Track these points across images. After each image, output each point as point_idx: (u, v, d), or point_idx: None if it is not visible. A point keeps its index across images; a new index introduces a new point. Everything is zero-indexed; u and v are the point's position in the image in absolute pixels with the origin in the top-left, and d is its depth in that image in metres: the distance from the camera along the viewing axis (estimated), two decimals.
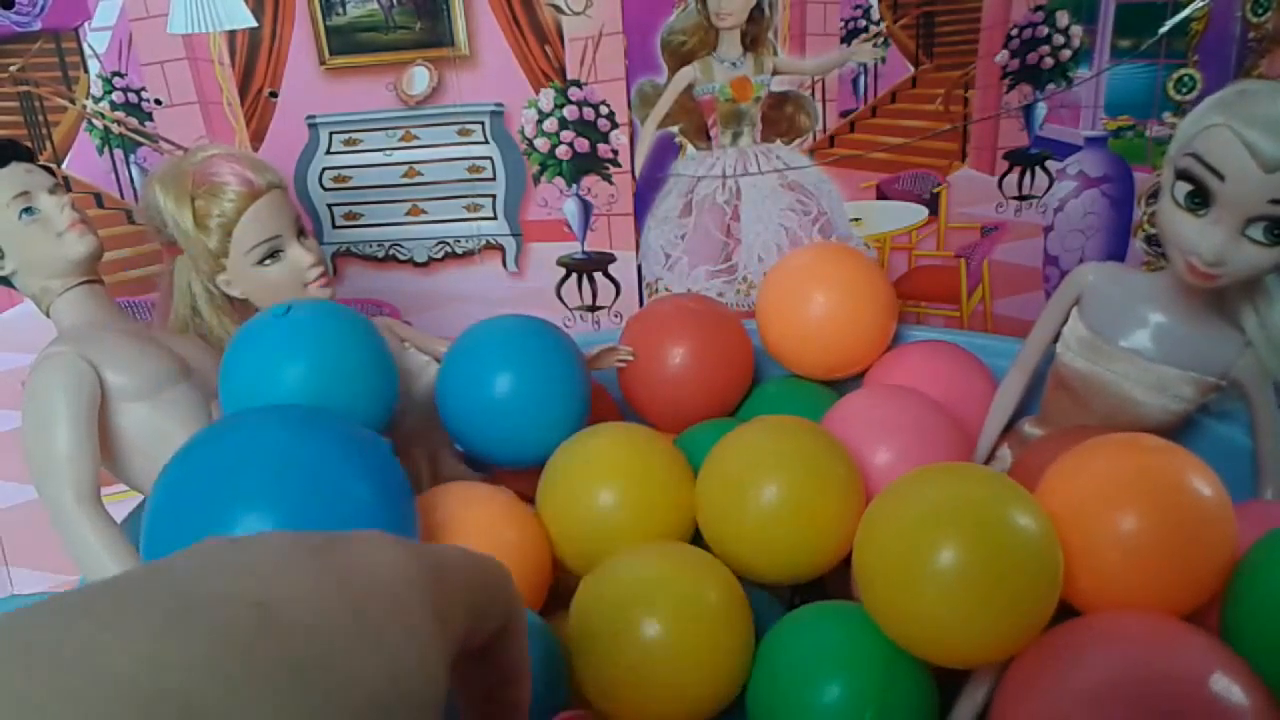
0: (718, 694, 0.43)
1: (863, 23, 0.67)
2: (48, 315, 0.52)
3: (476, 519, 0.49)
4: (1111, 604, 0.39)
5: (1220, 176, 0.42)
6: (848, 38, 0.67)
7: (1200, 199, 0.44)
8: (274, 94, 0.69)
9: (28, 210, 0.51)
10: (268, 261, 0.52)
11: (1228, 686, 0.33)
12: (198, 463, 0.41)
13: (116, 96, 0.67)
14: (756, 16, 0.67)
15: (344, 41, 0.67)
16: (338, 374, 0.48)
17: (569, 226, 0.72)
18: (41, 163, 0.53)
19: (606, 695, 0.42)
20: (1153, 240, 0.69)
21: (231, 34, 0.67)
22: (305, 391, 0.47)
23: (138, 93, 0.67)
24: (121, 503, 0.51)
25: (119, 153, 0.69)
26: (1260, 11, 0.61)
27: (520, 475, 0.56)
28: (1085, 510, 0.39)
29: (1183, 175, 0.44)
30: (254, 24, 0.66)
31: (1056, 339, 0.54)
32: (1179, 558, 0.38)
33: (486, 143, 0.70)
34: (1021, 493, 0.39)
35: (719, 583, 0.44)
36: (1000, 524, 0.38)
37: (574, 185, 0.71)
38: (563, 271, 0.74)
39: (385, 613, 0.20)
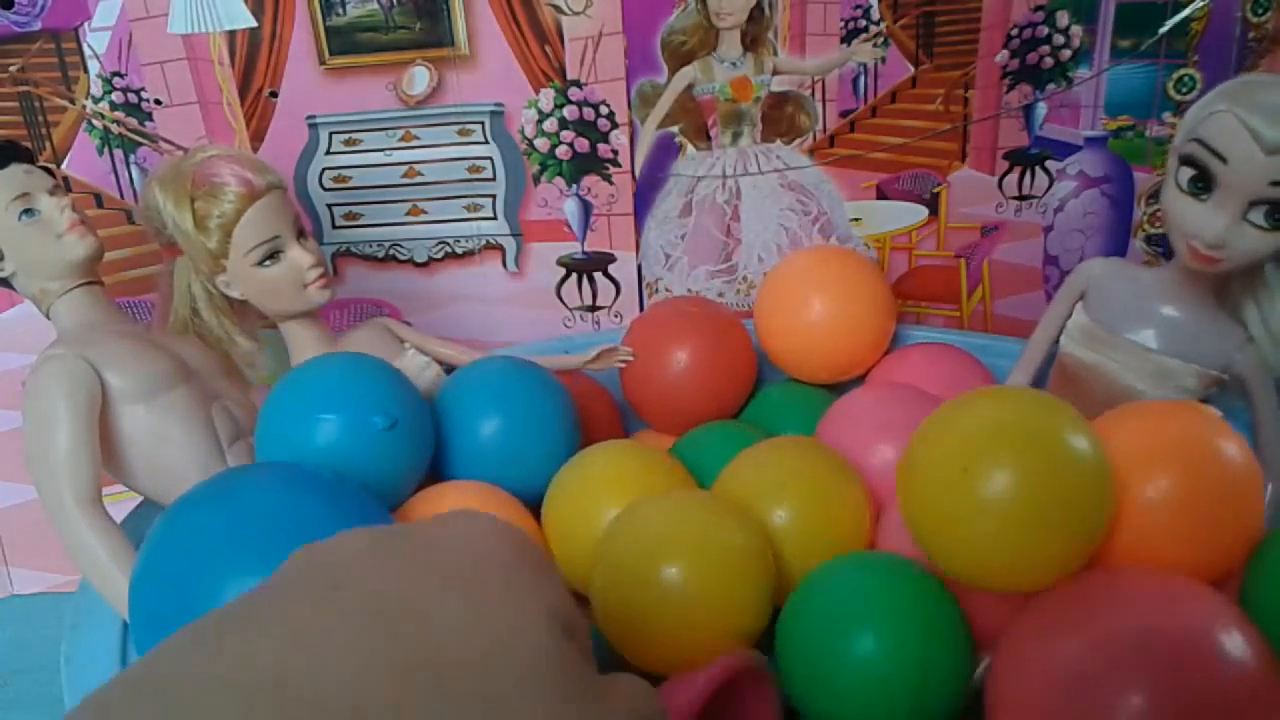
0: (739, 634, 0.42)
1: (863, 23, 0.67)
2: (47, 317, 0.52)
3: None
4: (1136, 563, 0.39)
5: (1223, 159, 0.43)
6: (848, 38, 0.67)
7: (1203, 183, 0.45)
8: (274, 94, 0.69)
9: (28, 212, 0.50)
10: (267, 262, 0.52)
11: (1237, 644, 0.33)
12: (186, 525, 0.40)
13: (116, 96, 0.67)
14: (756, 16, 0.67)
15: (344, 41, 0.67)
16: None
17: (569, 226, 0.72)
18: (41, 163, 0.53)
19: (627, 637, 0.42)
20: (1152, 240, 0.69)
21: (231, 34, 0.67)
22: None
23: (138, 93, 0.67)
24: (121, 503, 0.51)
25: (119, 153, 0.69)
26: (1260, 11, 0.61)
27: None
28: (1118, 470, 0.39)
29: (1186, 160, 0.45)
30: (254, 24, 0.66)
31: (1060, 335, 0.54)
32: (1208, 523, 0.38)
33: (486, 143, 0.70)
34: (1076, 416, 0.38)
35: (740, 527, 0.43)
36: (1056, 445, 0.37)
37: (574, 185, 0.71)
38: (563, 271, 0.74)
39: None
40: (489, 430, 0.54)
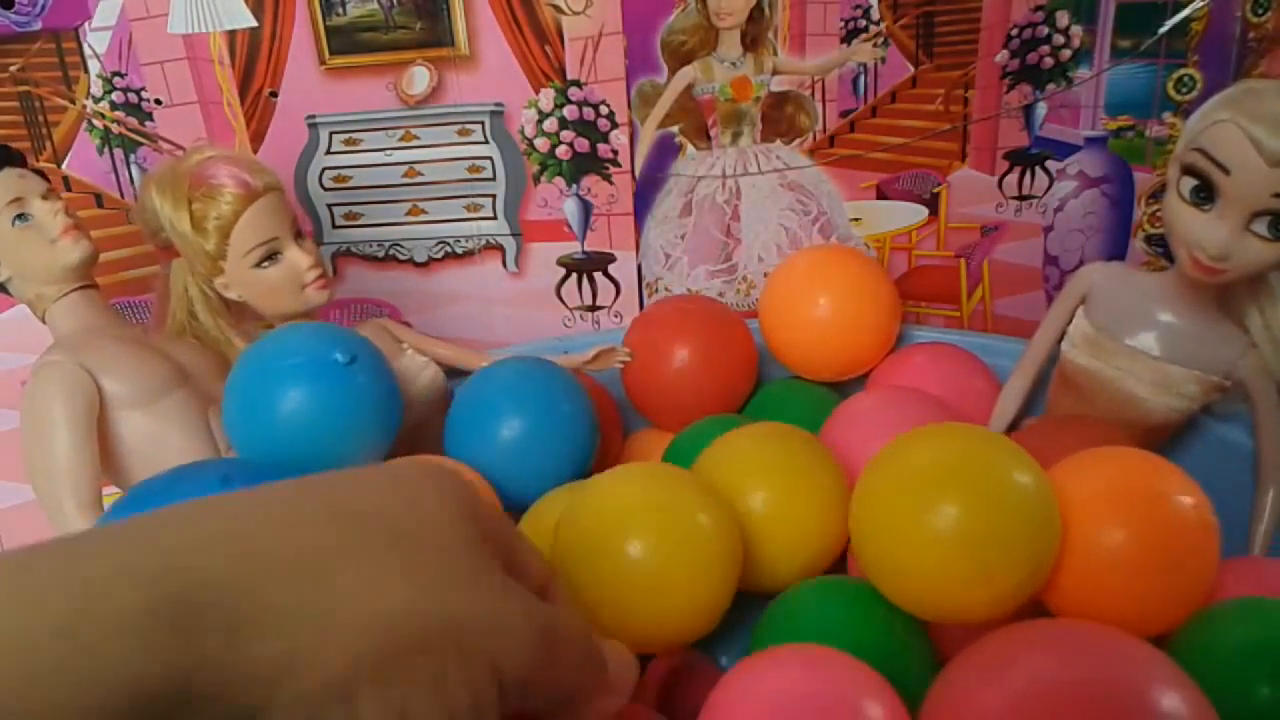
0: (701, 616, 0.41)
1: (863, 23, 0.67)
2: (43, 321, 0.52)
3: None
4: (1082, 614, 0.38)
5: (1225, 170, 0.43)
6: (848, 38, 0.67)
7: (1205, 194, 0.44)
8: (274, 94, 0.69)
9: (21, 216, 0.50)
10: (265, 264, 0.52)
11: (1174, 704, 0.30)
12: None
13: (116, 96, 0.67)
14: (756, 16, 0.67)
15: (344, 41, 0.67)
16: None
17: (569, 226, 0.72)
18: (34, 167, 0.53)
19: (586, 608, 0.40)
20: (1152, 240, 0.69)
21: (231, 34, 0.67)
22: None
23: (138, 93, 0.67)
24: None
25: (119, 153, 0.69)
26: (1260, 11, 0.61)
27: None
28: (1073, 516, 0.39)
29: (1189, 170, 0.45)
30: (254, 24, 0.66)
31: (1061, 340, 0.54)
32: (1159, 577, 0.37)
33: (486, 143, 0.70)
34: (1021, 452, 0.39)
35: (703, 505, 0.42)
36: (1001, 480, 0.37)
37: (574, 185, 0.71)
38: (563, 271, 0.74)
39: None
40: (509, 430, 0.53)
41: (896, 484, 0.39)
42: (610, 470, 0.45)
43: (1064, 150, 0.69)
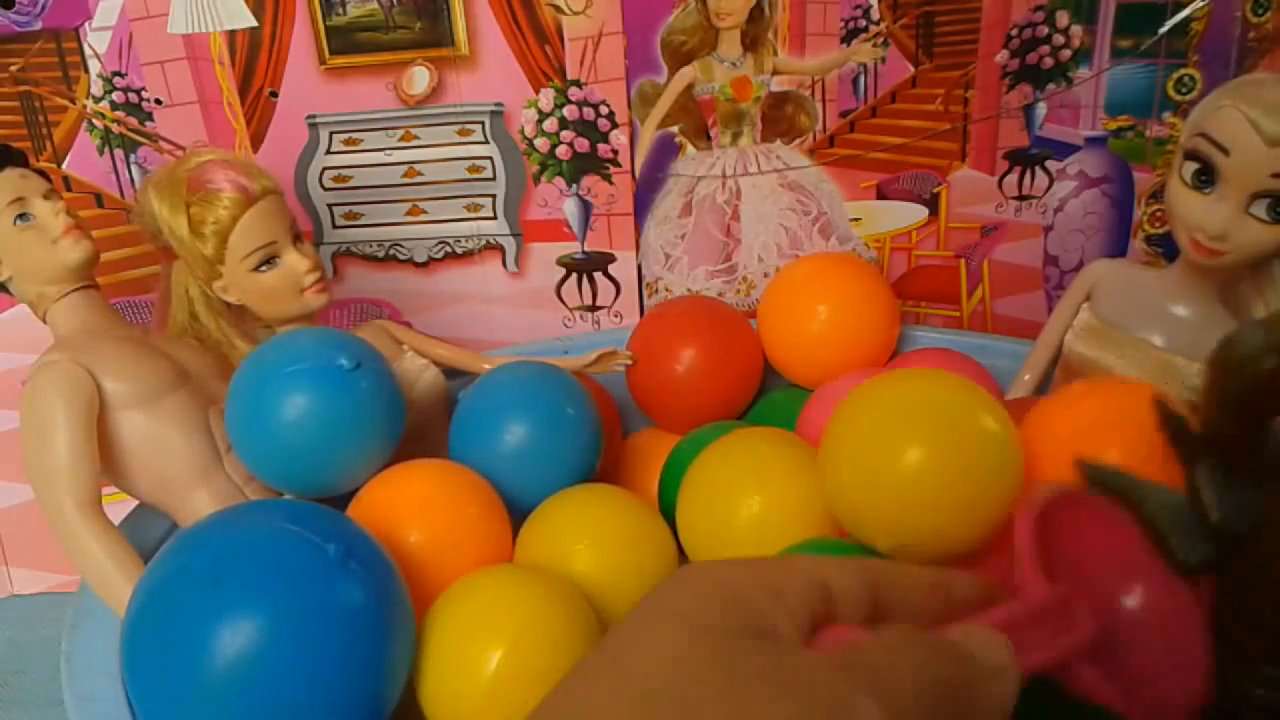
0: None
1: (863, 23, 0.67)
2: (44, 321, 0.52)
3: (437, 494, 0.48)
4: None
5: (1225, 151, 0.44)
6: (848, 38, 0.67)
7: (1206, 176, 0.45)
8: (274, 94, 0.69)
9: (22, 216, 0.50)
10: (264, 268, 0.52)
11: None
12: (180, 565, 0.38)
13: (117, 96, 0.67)
14: (756, 16, 0.67)
15: (344, 41, 0.67)
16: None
17: (569, 226, 0.72)
18: (36, 166, 0.53)
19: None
20: (1152, 240, 0.69)
21: (231, 34, 0.67)
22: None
23: (138, 93, 0.67)
24: (120, 504, 0.51)
25: (119, 153, 0.69)
26: (1260, 11, 0.61)
27: None
28: (1067, 444, 0.40)
29: (1191, 155, 0.46)
30: (254, 24, 0.66)
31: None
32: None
33: (486, 143, 0.70)
34: (986, 396, 0.40)
35: (564, 603, 0.42)
36: (965, 423, 0.39)
37: (574, 185, 0.71)
38: (563, 271, 0.74)
39: None
40: (514, 436, 0.53)
41: (864, 426, 0.41)
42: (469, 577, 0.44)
43: (1064, 150, 0.69)
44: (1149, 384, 0.43)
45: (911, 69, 0.68)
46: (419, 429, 0.57)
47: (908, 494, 0.38)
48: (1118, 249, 0.70)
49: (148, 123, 0.68)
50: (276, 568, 0.36)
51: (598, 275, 0.74)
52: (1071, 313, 0.55)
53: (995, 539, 0.39)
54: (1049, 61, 0.66)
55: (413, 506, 0.48)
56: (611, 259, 0.73)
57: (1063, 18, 0.65)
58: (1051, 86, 0.67)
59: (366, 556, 0.39)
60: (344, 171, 0.71)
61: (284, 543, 0.37)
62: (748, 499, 0.46)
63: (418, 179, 0.71)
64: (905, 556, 0.40)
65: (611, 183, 0.71)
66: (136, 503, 0.53)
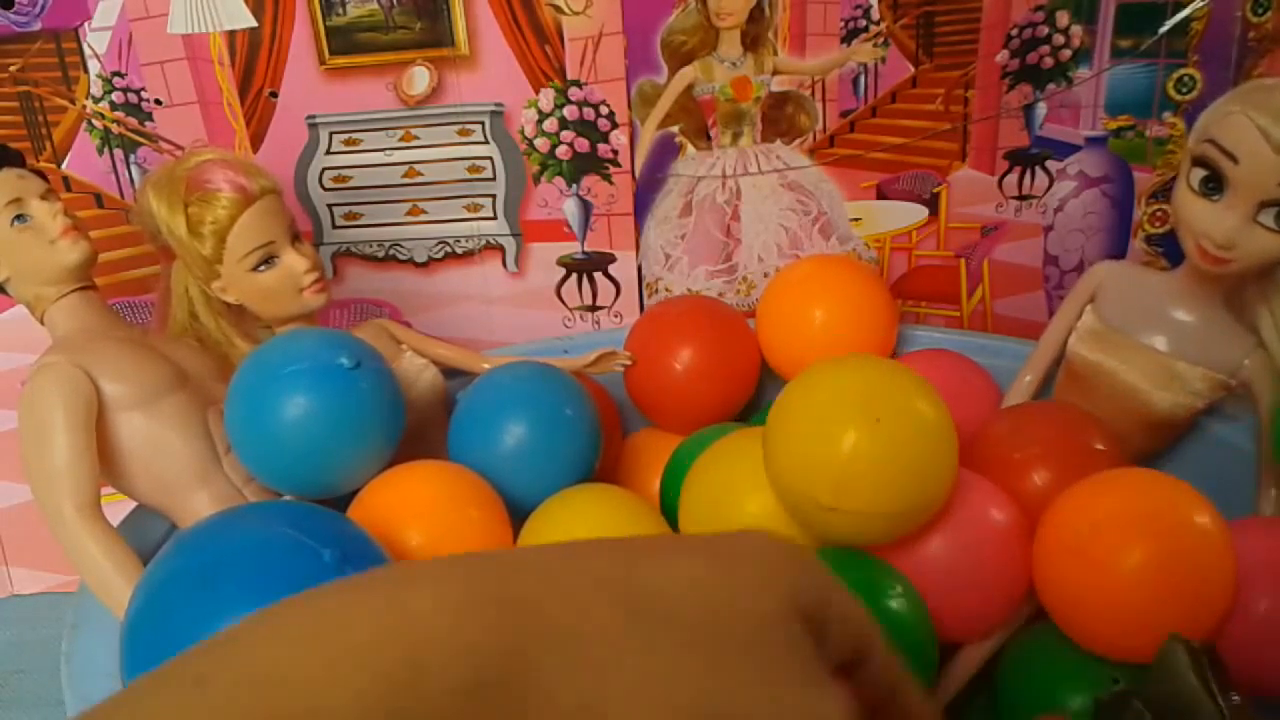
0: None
1: (863, 23, 0.67)
2: (41, 323, 0.52)
3: (438, 496, 0.48)
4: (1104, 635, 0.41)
5: (1234, 159, 0.44)
6: (848, 38, 0.67)
7: (1214, 184, 0.45)
8: (274, 94, 0.69)
9: (20, 217, 0.50)
10: (263, 268, 0.52)
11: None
12: (179, 567, 0.38)
13: (116, 96, 0.67)
14: (756, 16, 0.67)
15: (344, 41, 0.67)
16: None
17: (569, 226, 0.72)
18: (34, 167, 0.53)
19: None
20: (1152, 240, 0.69)
21: (231, 34, 0.67)
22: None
23: (138, 93, 0.67)
24: (120, 505, 0.51)
25: (119, 153, 0.69)
26: (1260, 11, 0.61)
27: None
28: (1090, 537, 0.41)
29: (1199, 161, 0.45)
30: (254, 24, 0.66)
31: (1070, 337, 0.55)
32: (1178, 595, 0.39)
33: (486, 143, 0.70)
34: (924, 382, 0.43)
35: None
36: (903, 407, 0.41)
37: (574, 185, 0.71)
38: (563, 271, 0.74)
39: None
40: (513, 436, 0.53)
41: (805, 411, 0.43)
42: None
43: (1064, 150, 0.69)
44: (1173, 479, 0.42)
45: (912, 69, 0.68)
46: (419, 429, 0.57)
47: (844, 473, 0.40)
48: (1118, 249, 0.70)
49: (147, 123, 0.68)
50: (272, 572, 0.36)
51: (598, 275, 0.74)
52: (1074, 314, 0.54)
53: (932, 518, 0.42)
54: (1049, 61, 0.66)
55: (414, 508, 0.48)
56: (611, 259, 0.73)
57: (1063, 18, 0.65)
58: (1051, 86, 0.67)
59: (364, 560, 0.39)
60: (344, 171, 0.71)
61: (280, 546, 0.37)
62: (750, 499, 0.46)
63: (418, 179, 0.71)
64: (839, 535, 0.42)
65: (611, 183, 0.71)
66: (135, 504, 0.53)
